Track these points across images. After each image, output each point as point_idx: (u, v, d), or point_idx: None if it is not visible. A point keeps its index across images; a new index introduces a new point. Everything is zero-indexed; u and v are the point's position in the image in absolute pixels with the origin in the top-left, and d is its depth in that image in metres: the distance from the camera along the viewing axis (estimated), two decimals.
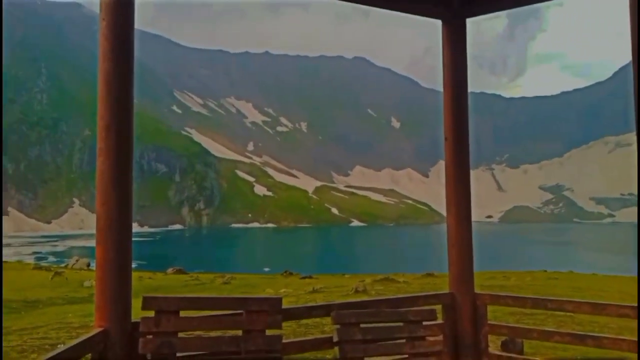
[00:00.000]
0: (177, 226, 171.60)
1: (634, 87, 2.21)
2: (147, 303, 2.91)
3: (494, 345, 6.52)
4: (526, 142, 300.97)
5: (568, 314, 7.02)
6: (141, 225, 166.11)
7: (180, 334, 2.93)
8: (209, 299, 3.08)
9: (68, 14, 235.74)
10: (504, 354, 5.17)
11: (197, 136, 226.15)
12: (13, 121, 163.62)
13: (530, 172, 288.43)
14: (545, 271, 24.59)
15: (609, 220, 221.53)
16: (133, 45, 3.05)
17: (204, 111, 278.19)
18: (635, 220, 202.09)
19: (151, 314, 2.92)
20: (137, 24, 3.19)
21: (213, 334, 3.66)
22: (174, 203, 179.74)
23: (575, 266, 29.82)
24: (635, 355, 3.44)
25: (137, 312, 2.95)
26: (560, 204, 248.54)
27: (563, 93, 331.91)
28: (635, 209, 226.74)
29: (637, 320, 3.47)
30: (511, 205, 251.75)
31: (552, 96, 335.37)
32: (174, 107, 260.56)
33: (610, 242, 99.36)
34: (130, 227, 2.95)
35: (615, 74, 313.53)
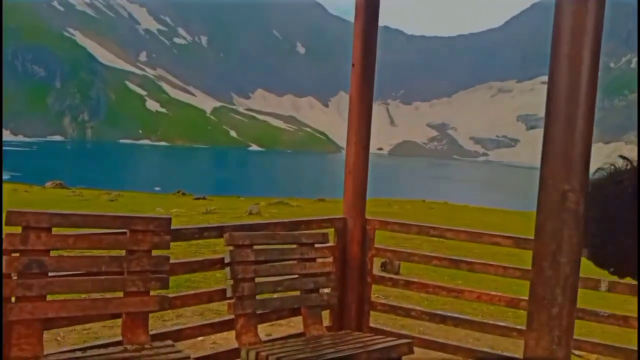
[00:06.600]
0: (57, 137, 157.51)
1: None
2: (12, 218, 2.56)
3: (374, 267, 7.03)
4: (420, 80, 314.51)
5: (440, 240, 7.71)
6: (15, 134, 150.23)
7: (54, 253, 2.66)
8: (87, 215, 2.81)
9: None
10: (384, 274, 5.58)
11: (81, 39, 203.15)
12: None
13: (421, 109, 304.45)
14: (424, 201, 26.64)
15: (482, 158, 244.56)
16: None
17: (90, 11, 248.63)
18: (505, 159, 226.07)
19: (18, 230, 2.59)
20: None
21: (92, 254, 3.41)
22: (53, 112, 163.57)
23: (450, 198, 32.75)
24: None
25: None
26: (444, 141, 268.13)
27: (460, 36, 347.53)
28: (506, 150, 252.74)
29: (511, 248, 3.87)
30: (401, 139, 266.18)
31: (449, 37, 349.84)
32: (55, 4, 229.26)
33: (482, 178, 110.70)
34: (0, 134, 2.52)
35: (507, 22, 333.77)
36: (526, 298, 3.67)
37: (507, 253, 7.74)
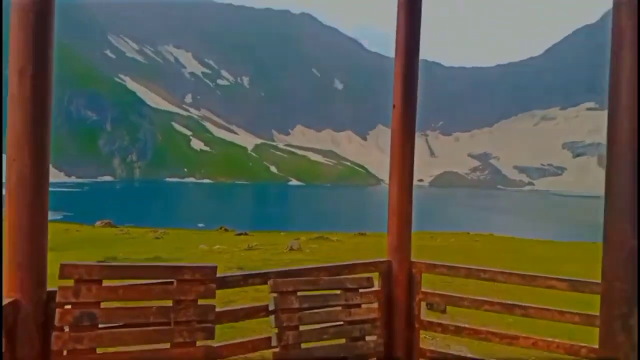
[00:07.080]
0: (107, 178, 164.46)
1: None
2: (65, 271, 2.64)
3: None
4: (460, 111, 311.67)
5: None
6: (68, 175, 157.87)
7: (103, 305, 2.71)
8: (136, 267, 2.86)
9: None
10: (434, 320, 5.37)
11: (131, 84, 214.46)
12: None
13: (461, 139, 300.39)
14: (468, 233, 25.89)
15: (528, 188, 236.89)
16: None
17: (139, 58, 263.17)
18: (552, 188, 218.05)
19: (70, 282, 2.66)
20: None
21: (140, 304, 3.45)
22: (104, 153, 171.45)
23: (495, 229, 31.67)
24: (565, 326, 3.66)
25: (56, 281, 2.68)
26: (486, 171, 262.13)
27: (498, 65, 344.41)
28: (553, 178, 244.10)
29: (561, 291, 3.66)
30: (441, 170, 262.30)
31: (488, 67, 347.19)
32: (107, 52, 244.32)
33: (528, 208, 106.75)
34: (47, 185, 2.63)
35: (548, 49, 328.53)
36: (586, 345, 3.44)
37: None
